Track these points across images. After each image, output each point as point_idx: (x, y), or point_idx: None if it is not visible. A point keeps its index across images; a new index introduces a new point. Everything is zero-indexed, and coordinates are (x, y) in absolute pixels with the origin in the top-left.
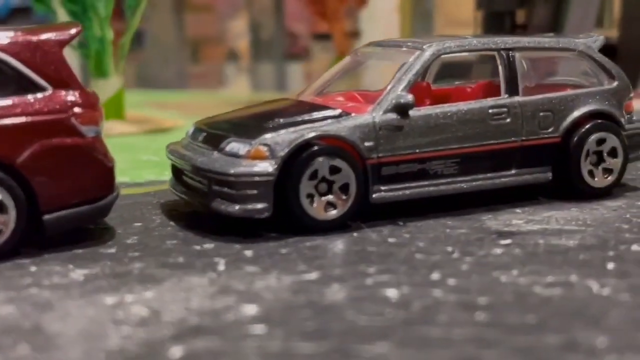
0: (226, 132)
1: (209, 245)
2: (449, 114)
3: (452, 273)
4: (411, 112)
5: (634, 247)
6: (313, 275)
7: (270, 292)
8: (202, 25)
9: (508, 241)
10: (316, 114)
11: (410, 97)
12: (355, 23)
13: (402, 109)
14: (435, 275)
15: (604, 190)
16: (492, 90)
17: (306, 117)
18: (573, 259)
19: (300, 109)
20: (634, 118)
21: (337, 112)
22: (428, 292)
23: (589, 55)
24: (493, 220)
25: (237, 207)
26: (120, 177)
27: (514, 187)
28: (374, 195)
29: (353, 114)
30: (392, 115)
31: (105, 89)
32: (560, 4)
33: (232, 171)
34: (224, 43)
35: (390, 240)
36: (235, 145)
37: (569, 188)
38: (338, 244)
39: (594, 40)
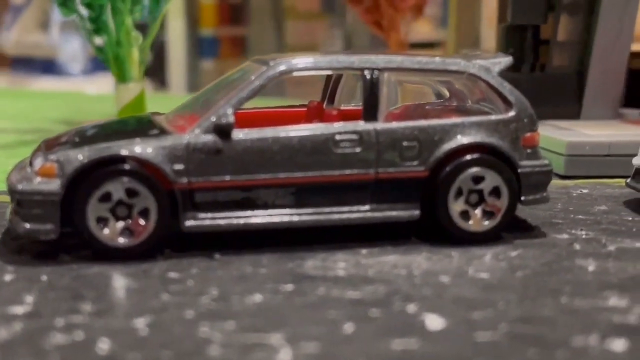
0: (45, 147)
1: None
2: (282, 138)
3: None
4: (236, 135)
5: (410, 308)
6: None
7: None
8: (302, 33)
9: (290, 287)
10: (135, 132)
11: (231, 118)
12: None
13: (222, 130)
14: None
15: (484, 235)
16: (351, 112)
17: (120, 134)
18: (326, 314)
19: (128, 126)
20: (537, 154)
21: (156, 131)
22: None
23: (483, 79)
24: (316, 261)
25: (26, 225)
26: None
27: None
28: (186, 224)
29: (172, 134)
30: (211, 137)
31: (125, 93)
32: (590, 17)
33: (19, 188)
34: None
35: (171, 275)
36: (37, 161)
37: (441, 230)
38: (115, 277)
39: (496, 62)
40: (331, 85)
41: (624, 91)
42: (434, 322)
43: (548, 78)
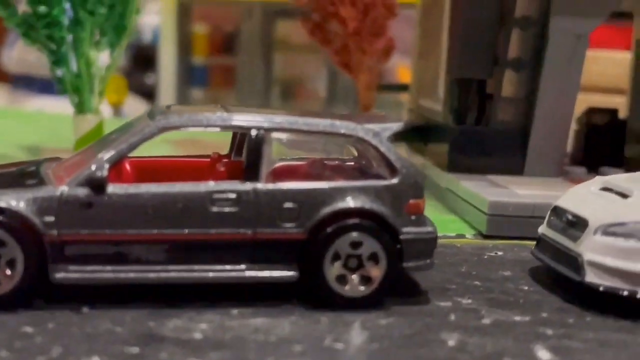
0: None
1: None
2: (156, 194)
3: None
4: (110, 189)
5: None
6: None
7: None
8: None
9: (135, 350)
10: (13, 181)
11: (105, 172)
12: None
13: (95, 184)
14: None
15: (361, 301)
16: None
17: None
18: None
19: (11, 174)
20: (422, 220)
21: (34, 181)
22: None
23: (371, 143)
24: (180, 321)
25: None
26: None
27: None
28: (56, 275)
29: (48, 185)
30: (84, 190)
31: (83, 124)
32: (534, 74)
33: None
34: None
35: (26, 329)
36: None
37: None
38: None
39: (387, 127)
40: (238, 137)
41: (583, 147)
42: None
43: (492, 132)
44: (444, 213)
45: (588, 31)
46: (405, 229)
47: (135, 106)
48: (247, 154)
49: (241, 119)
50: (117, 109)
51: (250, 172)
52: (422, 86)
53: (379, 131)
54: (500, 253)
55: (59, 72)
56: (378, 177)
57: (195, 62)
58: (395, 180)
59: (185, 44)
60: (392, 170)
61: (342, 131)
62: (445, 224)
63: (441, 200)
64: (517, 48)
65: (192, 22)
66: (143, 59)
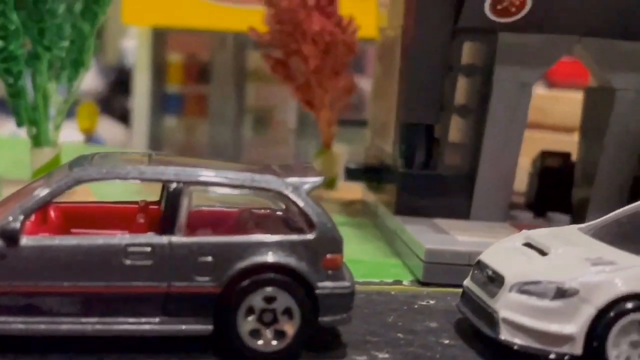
0: None
1: None
2: (69, 246)
3: None
4: (24, 240)
5: None
6: None
7: None
8: (260, 96)
9: None
10: None
11: (17, 224)
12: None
13: (7, 236)
14: None
15: (274, 356)
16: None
17: None
18: None
19: None
20: (339, 275)
21: None
22: None
23: (290, 198)
24: None
25: None
26: None
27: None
28: None
29: None
30: None
31: (39, 157)
32: (480, 120)
33: None
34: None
35: None
36: None
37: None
38: None
39: (307, 181)
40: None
41: (536, 191)
42: None
43: (440, 176)
44: (389, 256)
45: (532, 81)
46: (321, 284)
47: (113, 131)
48: (164, 206)
49: (159, 172)
50: (88, 136)
51: (167, 224)
52: (377, 126)
53: (298, 185)
54: (432, 302)
55: (17, 104)
56: (297, 230)
57: (170, 90)
58: (312, 235)
59: (159, 72)
60: (310, 225)
61: (262, 185)
62: (386, 269)
63: (389, 244)
64: (463, 94)
65: (167, 50)
66: (124, 83)
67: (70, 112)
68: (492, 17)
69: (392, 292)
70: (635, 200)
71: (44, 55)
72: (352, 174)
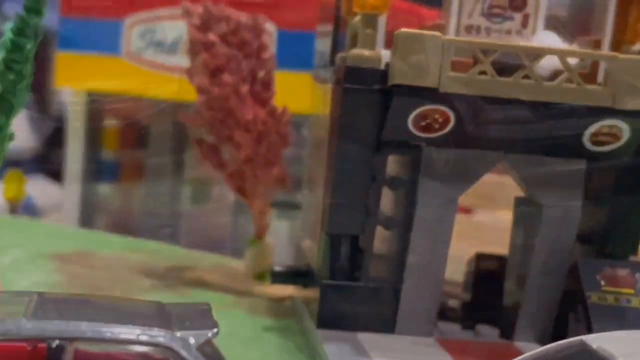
0: None
1: None
2: None
3: None
4: None
5: None
6: None
7: None
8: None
9: None
10: None
11: None
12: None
13: None
14: None
15: None
16: None
17: None
18: None
19: None
20: None
21: None
22: None
23: (180, 354)
24: None
25: None
26: None
27: None
28: None
29: None
30: None
31: None
32: (405, 232)
33: None
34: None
35: None
36: None
37: None
38: None
39: (200, 333)
40: None
41: (471, 295)
42: None
43: (364, 288)
44: None
45: (457, 196)
46: None
47: (47, 191)
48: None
49: (41, 329)
50: (14, 206)
51: None
52: (307, 224)
53: (188, 339)
54: None
55: None
56: None
57: (105, 156)
58: None
59: (94, 137)
60: None
61: (149, 340)
62: None
63: (311, 358)
64: (387, 206)
65: (102, 116)
66: (61, 137)
67: None
68: (416, 133)
69: None
70: (564, 316)
71: None
72: (279, 278)
